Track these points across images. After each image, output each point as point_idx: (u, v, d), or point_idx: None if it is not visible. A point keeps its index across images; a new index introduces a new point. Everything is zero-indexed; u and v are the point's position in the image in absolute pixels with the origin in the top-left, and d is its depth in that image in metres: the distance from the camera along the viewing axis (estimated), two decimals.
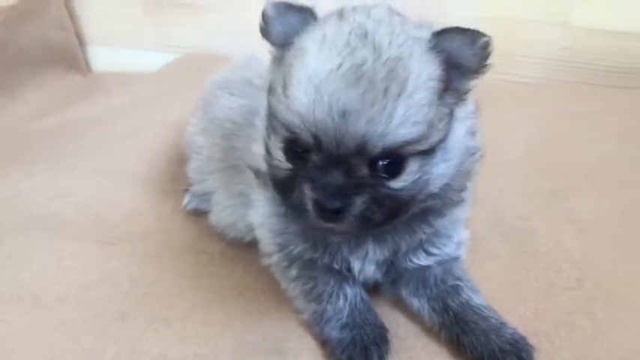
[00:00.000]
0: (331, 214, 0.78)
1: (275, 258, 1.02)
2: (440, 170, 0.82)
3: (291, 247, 0.98)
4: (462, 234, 1.05)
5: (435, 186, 0.84)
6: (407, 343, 0.98)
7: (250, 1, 1.95)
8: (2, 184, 1.41)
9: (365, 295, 1.01)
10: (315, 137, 0.77)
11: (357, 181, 0.78)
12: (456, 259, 1.04)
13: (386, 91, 0.73)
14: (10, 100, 1.82)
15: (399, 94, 0.74)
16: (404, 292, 1.03)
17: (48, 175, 1.44)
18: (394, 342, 0.96)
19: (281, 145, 0.84)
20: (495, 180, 1.42)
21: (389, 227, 0.90)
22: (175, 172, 1.45)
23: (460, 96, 0.82)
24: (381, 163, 0.78)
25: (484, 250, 1.18)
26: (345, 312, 0.97)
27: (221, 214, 1.17)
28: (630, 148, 1.52)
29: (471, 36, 0.77)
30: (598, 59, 1.83)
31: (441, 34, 0.79)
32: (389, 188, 0.80)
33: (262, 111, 0.91)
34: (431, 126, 0.77)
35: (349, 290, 0.99)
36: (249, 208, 1.06)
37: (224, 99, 1.19)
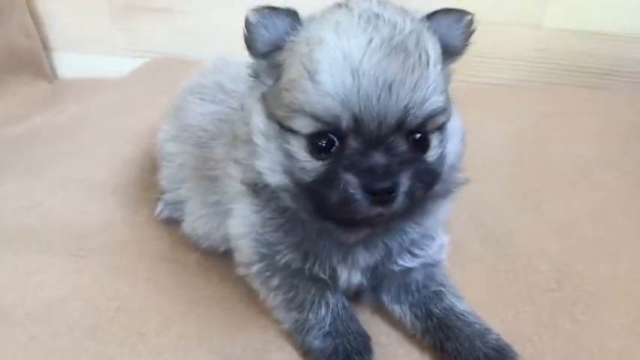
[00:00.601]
0: (384, 196, 0.76)
1: (256, 268, 0.98)
2: (449, 148, 0.87)
3: (278, 257, 0.95)
4: (444, 237, 1.04)
5: (450, 162, 0.88)
6: (389, 350, 0.97)
7: (216, 4, 1.94)
8: None
9: (347, 303, 0.99)
10: (356, 118, 0.76)
11: (400, 159, 0.78)
12: (438, 263, 1.03)
13: (420, 58, 0.77)
14: None
15: (428, 62, 0.78)
16: (385, 299, 1.02)
17: (14, 185, 1.39)
18: (377, 350, 0.94)
19: (305, 143, 0.81)
20: (473, 184, 1.41)
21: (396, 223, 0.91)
22: (147, 180, 1.41)
23: (448, 77, 0.87)
24: (414, 138, 0.80)
25: (464, 254, 1.17)
26: (328, 320, 0.94)
27: (195, 223, 1.14)
28: (604, 148, 1.53)
29: (457, 14, 0.84)
30: (570, 60, 1.85)
31: (432, 16, 0.84)
32: (425, 162, 0.82)
33: (259, 124, 0.86)
34: (447, 98, 0.81)
35: (331, 298, 0.97)
36: (224, 217, 1.03)
37: (195, 105, 1.16)
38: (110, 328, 1.00)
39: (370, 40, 0.75)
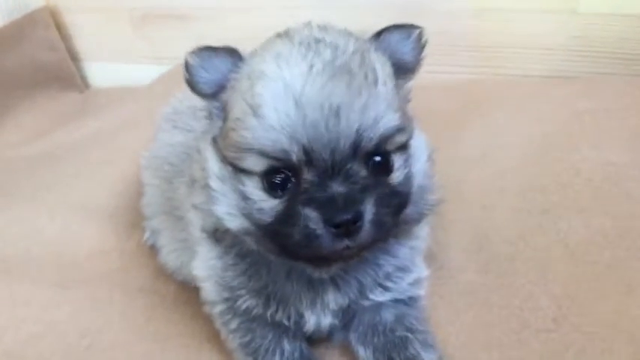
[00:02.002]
0: (347, 227, 0.71)
1: (218, 309, 0.95)
2: (417, 167, 0.82)
3: (239, 302, 0.90)
4: (422, 270, 0.96)
5: (418, 181, 0.82)
6: None
7: (234, 10, 1.91)
8: None
9: (306, 350, 0.94)
10: (306, 150, 0.71)
11: (361, 186, 0.72)
12: (413, 300, 0.95)
13: (366, 78, 0.73)
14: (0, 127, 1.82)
15: (376, 81, 0.74)
16: (353, 338, 0.95)
17: (21, 210, 1.44)
18: None
19: (259, 183, 0.76)
20: (481, 196, 1.30)
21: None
22: None
23: (406, 96, 0.83)
24: (373, 162, 0.75)
25: (457, 283, 1.08)
26: None
27: (167, 256, 1.12)
28: (638, 154, 1.35)
29: (405, 30, 0.81)
30: (609, 46, 1.65)
31: (379, 35, 0.80)
32: (389, 185, 0.77)
33: (214, 167, 0.82)
34: (404, 116, 0.77)
35: (287, 346, 0.92)
36: (193, 254, 0.98)
37: (166, 133, 1.13)
38: None
39: (311, 67, 0.71)
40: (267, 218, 0.76)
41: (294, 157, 0.71)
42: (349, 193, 0.71)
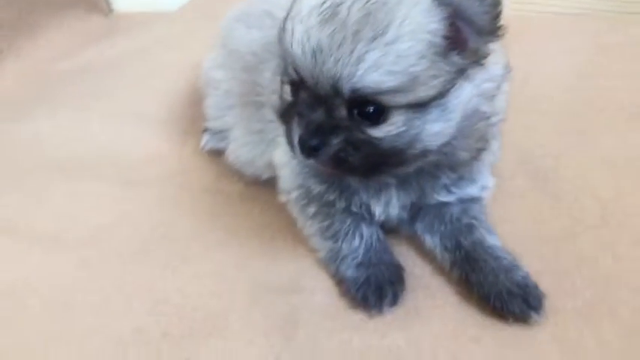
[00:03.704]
0: (310, 150, 0.80)
1: (294, 195, 1.01)
2: (436, 128, 0.79)
3: (312, 187, 0.97)
4: (488, 179, 1.02)
5: (430, 143, 0.81)
6: (422, 281, 0.97)
7: None
8: (23, 125, 1.43)
9: (382, 235, 1.00)
10: (298, 73, 0.79)
11: (336, 122, 0.79)
12: (477, 200, 1.01)
13: (356, 33, 0.72)
14: (31, 42, 1.81)
15: (374, 39, 0.72)
16: (419, 227, 1.02)
17: (68, 116, 1.46)
18: (411, 280, 0.96)
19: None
20: (524, 117, 1.35)
21: (392, 174, 0.90)
22: (196, 112, 1.43)
23: (476, 57, 0.78)
24: (362, 108, 0.77)
25: (507, 189, 1.14)
26: (361, 251, 0.96)
27: (239, 151, 1.16)
28: None
29: None
30: None
31: None
32: (366, 134, 0.79)
33: None
34: (415, 80, 0.74)
35: (365, 230, 0.98)
36: (267, 146, 1.07)
37: (243, 31, 1.17)
38: (154, 253, 1.05)
39: (322, 3, 0.75)
40: (282, 107, 0.88)
41: (291, 74, 0.81)
42: (322, 123, 0.78)
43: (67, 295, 0.97)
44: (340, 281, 0.96)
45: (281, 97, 0.90)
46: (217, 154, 1.28)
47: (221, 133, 1.23)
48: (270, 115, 1.03)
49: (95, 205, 1.17)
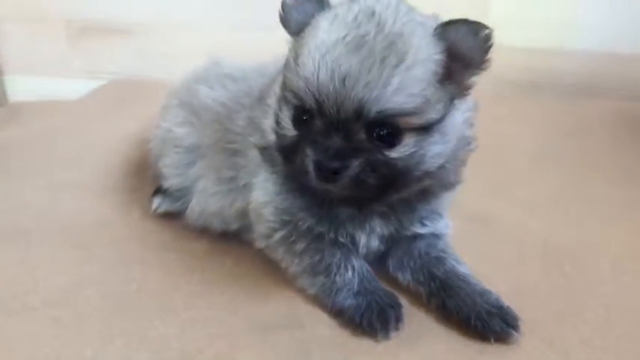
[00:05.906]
0: (329, 174, 0.85)
1: (278, 235, 1.03)
2: (436, 150, 0.90)
3: (300, 223, 1.00)
4: (448, 219, 1.11)
5: (431, 164, 0.91)
6: (411, 310, 1.01)
7: (172, 26, 2.01)
8: None
9: (368, 266, 1.04)
10: (318, 101, 0.85)
11: (355, 145, 0.85)
12: (442, 236, 1.10)
13: (384, 59, 0.82)
14: None
15: (397, 65, 0.82)
16: (390, 265, 1.08)
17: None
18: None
19: (290, 113, 0.93)
20: None
21: (388, 200, 0.97)
22: (133, 183, 1.43)
23: (462, 89, 0.90)
24: (379, 131, 0.86)
25: (454, 230, 1.25)
26: (355, 281, 1.00)
27: (206, 202, 1.16)
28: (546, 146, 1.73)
29: (475, 27, 0.84)
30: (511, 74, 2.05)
31: (447, 24, 0.87)
32: (384, 156, 0.87)
33: (276, 89, 0.97)
34: (427, 102, 0.85)
35: (355, 262, 1.02)
36: (238, 193, 1.09)
37: (206, 90, 1.21)
38: (136, 306, 1.00)
39: (345, 36, 0.84)
40: (285, 143, 0.93)
41: (307, 104, 0.87)
42: (342, 147, 0.85)
43: (49, 350, 0.89)
44: (338, 313, 0.98)
45: (278, 133, 0.95)
46: (170, 217, 1.26)
47: (178, 192, 1.23)
48: (244, 161, 1.08)
49: (54, 269, 1.09)
